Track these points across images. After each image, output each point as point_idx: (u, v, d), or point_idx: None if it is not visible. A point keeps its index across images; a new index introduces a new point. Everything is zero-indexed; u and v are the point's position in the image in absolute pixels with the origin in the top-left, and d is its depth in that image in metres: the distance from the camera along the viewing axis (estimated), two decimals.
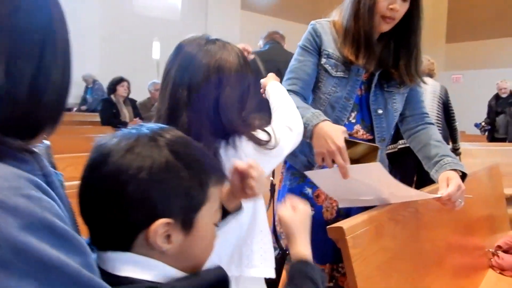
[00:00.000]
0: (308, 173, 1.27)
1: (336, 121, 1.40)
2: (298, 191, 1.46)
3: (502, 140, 6.61)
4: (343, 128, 1.22)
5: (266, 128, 1.04)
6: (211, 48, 1.00)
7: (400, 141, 3.29)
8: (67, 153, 2.75)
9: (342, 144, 1.16)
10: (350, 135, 1.43)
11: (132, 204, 0.58)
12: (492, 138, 6.86)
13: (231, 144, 0.98)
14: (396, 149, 3.33)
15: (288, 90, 1.37)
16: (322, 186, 1.35)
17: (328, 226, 1.04)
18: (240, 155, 0.97)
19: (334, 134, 1.18)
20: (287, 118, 1.13)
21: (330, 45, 1.40)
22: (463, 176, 1.34)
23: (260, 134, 1.02)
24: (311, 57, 1.41)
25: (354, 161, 1.19)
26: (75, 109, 7.42)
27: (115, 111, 4.82)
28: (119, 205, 0.58)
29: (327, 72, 1.40)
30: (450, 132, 3.51)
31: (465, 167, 1.36)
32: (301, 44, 1.44)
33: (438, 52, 12.00)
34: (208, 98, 0.96)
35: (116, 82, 4.95)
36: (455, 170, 1.32)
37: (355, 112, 1.43)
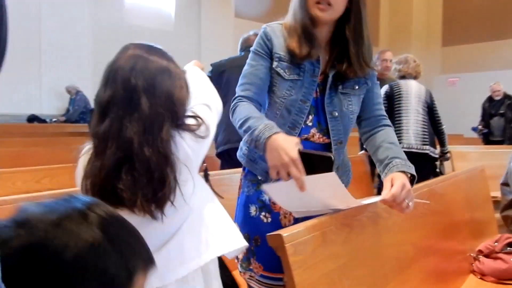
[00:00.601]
0: (264, 187, 1.23)
1: (293, 124, 1.37)
2: (255, 198, 1.42)
3: (499, 142, 6.56)
4: (296, 140, 1.18)
5: (189, 113, 1.06)
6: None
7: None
8: (44, 164, 2.72)
9: (295, 155, 1.13)
10: (306, 139, 1.40)
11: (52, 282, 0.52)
12: (487, 141, 6.81)
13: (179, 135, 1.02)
14: None
15: (241, 96, 1.35)
16: (278, 200, 1.31)
17: (267, 234, 0.99)
18: (183, 145, 1.02)
19: (287, 145, 1.15)
20: (204, 97, 1.14)
21: (281, 48, 1.37)
22: (414, 178, 1.30)
23: (189, 120, 1.04)
24: (263, 61, 1.38)
25: (309, 172, 1.15)
26: (54, 119, 7.40)
27: None
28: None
29: (280, 76, 1.36)
30: (437, 135, 3.47)
31: (457, 169, 1.32)
32: (253, 49, 1.41)
33: (434, 56, 12.01)
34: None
35: None
36: (403, 172, 1.27)
37: (312, 115, 1.40)
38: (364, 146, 1.53)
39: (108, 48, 7.99)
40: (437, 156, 3.36)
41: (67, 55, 7.73)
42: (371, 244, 1.29)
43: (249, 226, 1.41)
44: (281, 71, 1.36)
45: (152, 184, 0.95)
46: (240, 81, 1.39)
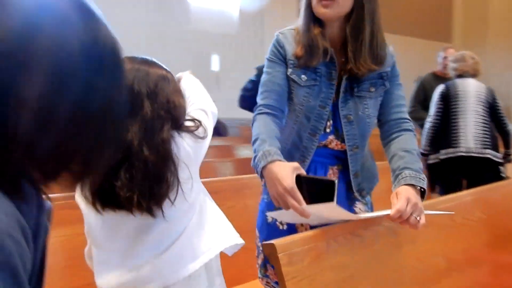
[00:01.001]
0: (271, 214, 1.23)
1: (314, 130, 1.35)
2: (272, 206, 1.41)
3: None
4: (294, 165, 1.14)
5: (187, 117, 1.12)
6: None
7: (442, 151, 3.08)
8: None
9: (290, 184, 1.09)
10: (324, 145, 1.38)
11: None
12: None
13: (179, 136, 1.08)
14: (438, 160, 3.11)
15: (261, 106, 1.35)
16: (286, 221, 1.31)
17: (263, 242, 0.99)
18: (184, 145, 1.07)
19: (282, 175, 1.11)
20: (200, 102, 1.19)
21: (294, 54, 1.35)
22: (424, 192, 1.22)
23: (187, 123, 1.10)
24: (279, 67, 1.37)
25: (312, 197, 1.11)
26: None
27: None
28: None
29: (296, 83, 1.35)
30: (501, 136, 3.21)
31: None
32: (268, 57, 1.40)
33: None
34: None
35: None
36: (412, 185, 1.20)
37: (331, 121, 1.37)
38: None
39: (175, 50, 8.30)
40: (500, 160, 3.10)
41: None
42: (388, 256, 1.23)
43: (266, 232, 1.41)
44: (296, 78, 1.34)
45: (148, 181, 0.99)
46: (259, 90, 1.39)
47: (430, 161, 3.18)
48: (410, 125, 1.39)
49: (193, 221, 1.11)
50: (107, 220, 1.04)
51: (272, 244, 0.96)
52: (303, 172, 1.14)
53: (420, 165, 1.28)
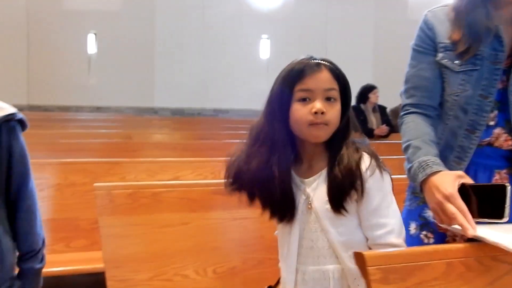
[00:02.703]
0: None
1: (472, 126, 1.12)
2: (417, 214, 1.22)
3: None
4: (457, 173, 1.00)
5: None
6: None
7: None
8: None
9: (449, 191, 0.95)
10: (488, 143, 1.13)
11: None
12: None
13: None
14: None
15: (408, 105, 1.20)
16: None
17: (354, 251, 0.86)
18: None
19: (441, 182, 0.99)
20: None
21: (446, 35, 1.14)
22: None
23: None
24: (425, 57, 1.18)
25: (484, 208, 0.95)
26: None
27: (362, 118, 4.89)
28: None
29: (449, 69, 1.14)
30: None
31: None
32: (413, 45, 1.21)
33: None
34: None
35: (368, 90, 5.02)
36: None
37: (496, 112, 1.11)
38: None
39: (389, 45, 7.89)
40: None
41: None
42: None
43: (408, 246, 1.23)
44: (448, 63, 1.14)
45: None
46: (404, 86, 1.23)
47: None
48: None
49: None
50: None
51: (361, 254, 0.82)
52: (469, 180, 0.98)
53: None
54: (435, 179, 1.02)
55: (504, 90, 1.10)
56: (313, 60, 1.03)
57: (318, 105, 0.99)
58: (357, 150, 1.04)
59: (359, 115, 4.97)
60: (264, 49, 8.93)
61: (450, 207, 0.95)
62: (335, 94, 1.02)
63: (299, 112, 1.01)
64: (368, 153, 1.04)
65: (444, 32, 1.15)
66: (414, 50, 1.21)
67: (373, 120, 4.95)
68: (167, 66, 8.75)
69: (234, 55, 8.77)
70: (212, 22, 8.80)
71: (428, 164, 1.05)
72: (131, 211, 1.46)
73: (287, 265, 1.08)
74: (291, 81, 1.02)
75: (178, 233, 1.51)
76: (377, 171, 1.02)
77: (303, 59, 1.04)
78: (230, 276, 1.53)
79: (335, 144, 1.04)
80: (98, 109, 8.43)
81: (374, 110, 5.01)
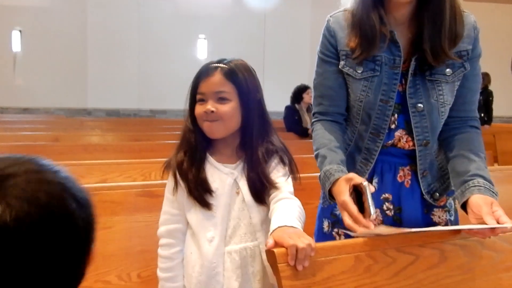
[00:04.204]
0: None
1: (376, 130, 1.18)
2: (329, 212, 1.27)
3: None
4: (348, 176, 1.05)
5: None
6: None
7: None
8: None
9: (343, 198, 1.01)
10: (392, 145, 1.19)
11: None
12: None
13: None
14: None
15: (316, 113, 1.25)
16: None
17: (265, 249, 0.88)
18: None
19: (338, 192, 1.05)
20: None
21: (348, 43, 1.16)
22: None
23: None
24: (329, 65, 1.20)
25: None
26: None
27: (297, 118, 5.00)
28: None
29: (351, 76, 1.17)
30: None
31: None
32: (318, 51, 1.24)
33: None
34: None
35: (302, 90, 5.13)
36: None
37: (396, 115, 1.16)
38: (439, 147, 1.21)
39: None
40: None
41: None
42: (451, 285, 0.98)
43: (321, 241, 1.27)
44: (350, 71, 1.17)
45: None
46: (313, 94, 1.27)
47: None
48: (478, 123, 1.16)
49: None
50: None
51: (272, 252, 0.84)
52: (357, 180, 1.03)
53: (488, 174, 1.05)
54: (334, 189, 1.07)
55: (403, 93, 1.15)
56: (212, 64, 1.16)
57: (208, 106, 1.12)
58: (269, 152, 1.14)
59: (293, 115, 5.07)
60: (202, 49, 8.86)
61: (344, 214, 1.00)
62: (227, 95, 1.13)
63: (197, 112, 1.15)
64: (279, 156, 1.15)
65: (344, 39, 1.17)
66: (319, 57, 1.23)
67: (307, 119, 5.05)
68: (101, 65, 8.41)
69: (171, 54, 8.60)
70: (148, 20, 8.59)
71: (331, 173, 1.10)
72: None
73: (215, 248, 1.10)
74: (193, 85, 1.17)
75: (100, 238, 1.42)
76: (286, 177, 1.14)
77: (208, 63, 1.18)
78: (156, 280, 1.49)
79: (247, 140, 1.16)
80: (25, 110, 7.93)
81: (308, 109, 5.12)
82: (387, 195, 1.19)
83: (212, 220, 1.11)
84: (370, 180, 1.19)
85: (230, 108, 1.13)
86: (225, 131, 1.14)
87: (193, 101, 1.17)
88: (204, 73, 1.15)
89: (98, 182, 2.27)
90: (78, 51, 8.33)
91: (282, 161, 1.15)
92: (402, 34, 1.14)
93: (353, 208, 0.99)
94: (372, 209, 0.97)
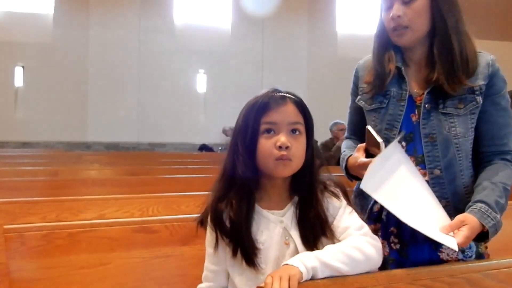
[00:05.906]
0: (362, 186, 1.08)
1: None
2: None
3: None
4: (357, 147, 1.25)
5: None
6: None
7: None
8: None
9: (357, 159, 1.20)
10: None
11: None
12: None
13: None
14: None
15: (345, 138, 1.46)
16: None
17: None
18: None
19: (351, 162, 1.25)
20: None
21: (364, 79, 1.33)
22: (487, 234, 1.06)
23: None
24: (352, 101, 1.39)
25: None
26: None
27: None
28: None
29: (363, 109, 1.32)
30: None
31: None
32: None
33: None
34: None
35: None
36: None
37: (406, 143, 1.24)
38: None
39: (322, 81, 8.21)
40: None
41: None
42: None
43: None
44: (362, 103, 1.32)
45: None
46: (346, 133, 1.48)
47: None
48: (508, 155, 1.19)
49: None
50: None
51: None
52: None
53: (502, 200, 1.10)
54: (349, 162, 1.27)
55: (417, 123, 1.23)
56: (278, 93, 1.03)
57: (282, 138, 0.99)
58: (325, 188, 1.06)
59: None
60: (201, 83, 9.00)
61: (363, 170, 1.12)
62: (300, 127, 1.02)
63: (264, 146, 0.99)
64: (334, 190, 1.07)
65: (364, 77, 1.31)
66: (351, 95, 1.39)
67: None
68: (101, 99, 8.54)
69: (170, 89, 8.74)
70: (148, 56, 8.77)
71: (345, 154, 1.30)
72: (44, 253, 1.40)
73: None
74: (256, 114, 1.00)
75: (97, 275, 1.46)
76: (347, 209, 1.06)
77: (267, 91, 1.04)
78: None
79: (300, 180, 1.04)
80: (25, 144, 7.98)
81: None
82: (392, 228, 1.24)
83: (261, 277, 0.96)
84: (378, 210, 1.26)
85: (302, 145, 1.02)
86: (292, 172, 1.02)
87: (254, 133, 1.00)
88: (274, 101, 1.01)
89: (95, 217, 2.28)
90: (79, 85, 8.48)
91: (335, 195, 1.05)
92: (417, 70, 1.25)
93: (366, 159, 1.15)
94: (379, 139, 1.12)
